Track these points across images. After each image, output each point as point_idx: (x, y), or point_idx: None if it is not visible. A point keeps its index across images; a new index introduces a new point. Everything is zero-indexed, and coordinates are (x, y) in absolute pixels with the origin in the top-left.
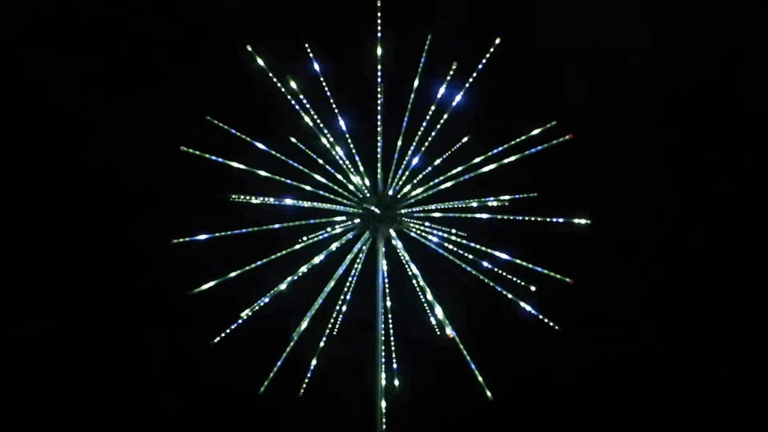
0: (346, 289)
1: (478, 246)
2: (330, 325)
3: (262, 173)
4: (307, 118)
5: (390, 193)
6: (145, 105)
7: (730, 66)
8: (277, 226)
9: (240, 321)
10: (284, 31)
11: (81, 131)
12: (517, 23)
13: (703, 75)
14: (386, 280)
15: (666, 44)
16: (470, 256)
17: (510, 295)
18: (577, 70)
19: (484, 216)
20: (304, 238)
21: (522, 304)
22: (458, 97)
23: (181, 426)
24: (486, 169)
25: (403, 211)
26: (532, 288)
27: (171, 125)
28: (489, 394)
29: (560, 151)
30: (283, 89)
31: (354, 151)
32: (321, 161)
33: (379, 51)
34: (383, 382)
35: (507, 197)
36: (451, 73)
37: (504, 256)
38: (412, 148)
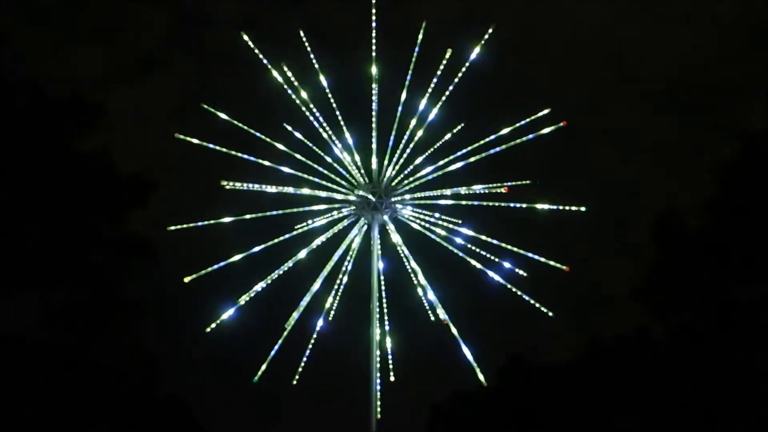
0: (340, 279)
1: (473, 233)
2: (325, 313)
3: (264, 162)
4: (302, 106)
5: (385, 180)
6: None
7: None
8: (273, 213)
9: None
10: (279, 18)
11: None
12: (512, 10)
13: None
14: (381, 267)
15: (662, 34)
16: (466, 244)
17: (503, 281)
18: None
19: (480, 203)
20: (300, 225)
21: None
22: (453, 84)
23: (175, 415)
24: (481, 156)
25: (397, 198)
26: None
27: (166, 112)
28: (483, 380)
29: (555, 138)
30: (277, 76)
31: (349, 139)
32: (317, 149)
33: (374, 38)
34: (378, 373)
35: (502, 184)
36: (447, 58)
37: (499, 243)
38: (407, 135)
